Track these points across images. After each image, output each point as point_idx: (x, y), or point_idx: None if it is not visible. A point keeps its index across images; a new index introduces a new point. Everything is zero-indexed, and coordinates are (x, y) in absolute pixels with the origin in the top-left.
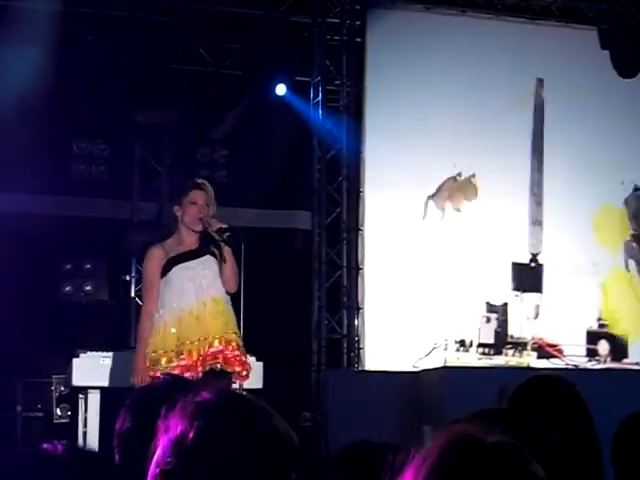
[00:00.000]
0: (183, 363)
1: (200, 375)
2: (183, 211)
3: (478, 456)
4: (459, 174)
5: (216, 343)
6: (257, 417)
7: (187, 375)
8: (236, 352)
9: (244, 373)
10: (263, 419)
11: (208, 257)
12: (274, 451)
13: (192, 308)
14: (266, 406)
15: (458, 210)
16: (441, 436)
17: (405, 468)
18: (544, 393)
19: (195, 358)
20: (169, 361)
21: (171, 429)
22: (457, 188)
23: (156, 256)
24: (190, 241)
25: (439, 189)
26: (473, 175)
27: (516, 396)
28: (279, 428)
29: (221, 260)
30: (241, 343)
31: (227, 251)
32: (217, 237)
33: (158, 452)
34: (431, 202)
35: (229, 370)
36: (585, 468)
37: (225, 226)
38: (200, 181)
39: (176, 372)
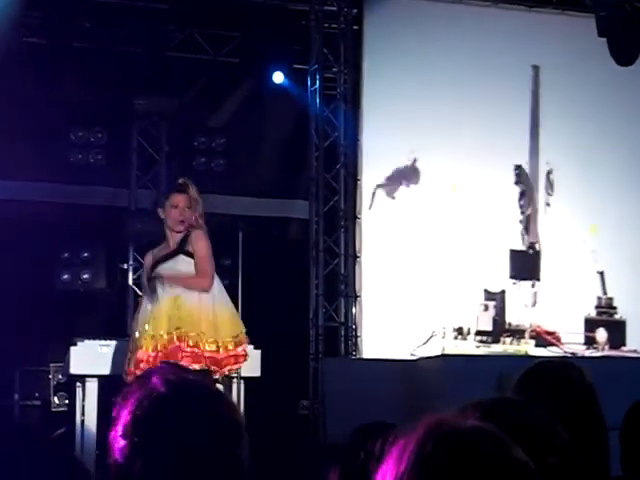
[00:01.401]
0: (138, 355)
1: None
2: (166, 214)
3: (458, 442)
4: (456, 160)
5: (169, 340)
6: (198, 401)
7: (142, 365)
8: (189, 349)
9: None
10: (204, 403)
11: (181, 256)
12: (214, 435)
13: (153, 306)
14: (214, 389)
15: (455, 196)
16: (419, 426)
17: (386, 456)
18: (552, 379)
19: (152, 352)
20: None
21: (119, 419)
22: (454, 174)
23: (146, 263)
24: (173, 242)
25: (436, 176)
26: (469, 162)
27: (523, 382)
28: (221, 411)
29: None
30: (196, 339)
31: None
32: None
33: (110, 441)
34: (428, 189)
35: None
36: (591, 455)
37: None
38: (182, 181)
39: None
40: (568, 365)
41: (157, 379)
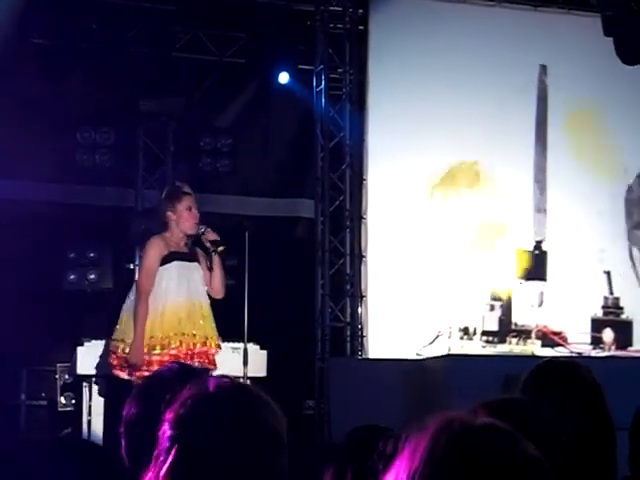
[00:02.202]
0: (173, 352)
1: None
2: (178, 216)
3: (470, 439)
4: (462, 161)
5: (202, 343)
6: (247, 409)
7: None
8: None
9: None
10: (253, 411)
11: (198, 264)
12: (259, 442)
13: (185, 304)
14: (262, 397)
15: (461, 197)
16: (431, 424)
17: (396, 456)
18: (559, 378)
19: (185, 351)
20: (162, 348)
21: (168, 417)
22: (460, 175)
23: (158, 244)
24: (182, 244)
25: (442, 176)
26: (476, 162)
27: (530, 381)
28: (268, 420)
29: (210, 268)
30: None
31: (216, 262)
32: (211, 248)
33: (160, 440)
34: (434, 189)
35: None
36: (599, 455)
37: (219, 239)
38: (187, 187)
39: (165, 359)
40: (575, 364)
41: (209, 380)
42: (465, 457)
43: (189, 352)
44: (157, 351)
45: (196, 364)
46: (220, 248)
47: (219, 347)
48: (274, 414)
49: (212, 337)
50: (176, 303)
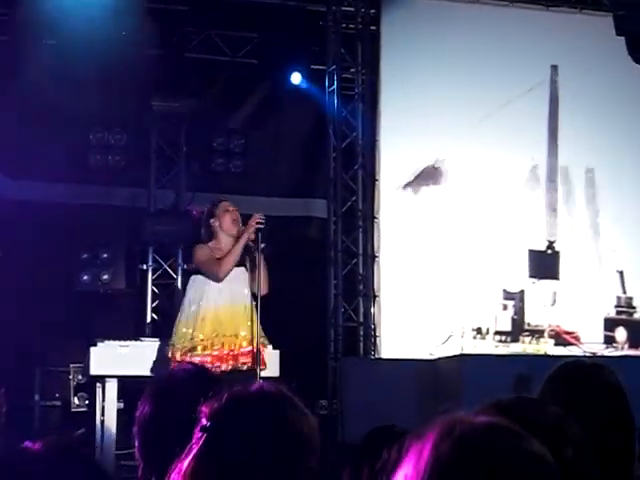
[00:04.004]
0: (215, 354)
1: (229, 368)
2: (220, 220)
3: (473, 440)
4: (475, 161)
5: (245, 344)
6: (280, 411)
7: (218, 365)
8: (263, 354)
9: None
10: (284, 413)
11: (242, 268)
12: (288, 446)
13: (228, 306)
14: (296, 402)
15: (474, 196)
16: (434, 427)
17: (402, 461)
18: (582, 380)
19: (227, 351)
20: (204, 349)
21: (204, 410)
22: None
23: (203, 247)
24: (227, 248)
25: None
26: (488, 162)
27: (553, 382)
28: (298, 423)
29: (254, 267)
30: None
31: (260, 259)
32: (253, 246)
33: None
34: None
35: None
36: (618, 457)
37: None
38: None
39: (208, 360)
40: (599, 366)
41: (254, 383)
42: (471, 460)
43: (231, 353)
44: (198, 352)
45: (240, 365)
46: (262, 245)
47: (264, 346)
48: (306, 419)
49: (257, 337)
50: (218, 306)
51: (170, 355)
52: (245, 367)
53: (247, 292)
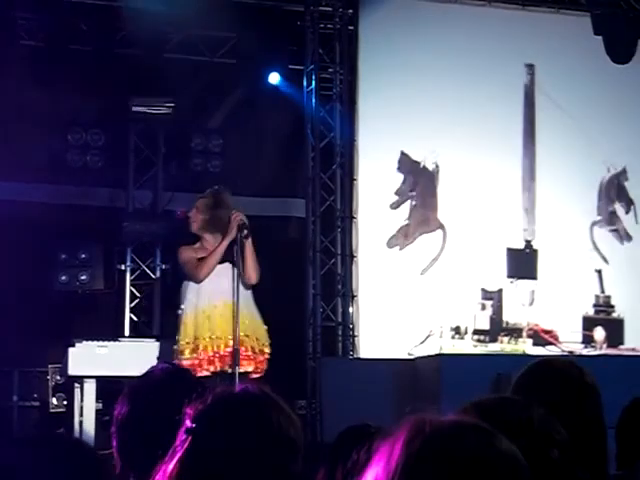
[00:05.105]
0: (202, 357)
1: (216, 370)
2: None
3: (441, 440)
4: (452, 160)
5: (230, 344)
6: (263, 413)
7: (205, 367)
8: (248, 353)
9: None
10: (268, 415)
11: (227, 264)
12: (273, 449)
13: (205, 308)
14: (280, 404)
15: (450, 196)
16: (402, 427)
17: (371, 461)
18: (553, 378)
19: (211, 354)
20: (191, 352)
21: (189, 412)
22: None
23: (188, 248)
24: (212, 247)
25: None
26: (465, 161)
27: (523, 381)
28: (283, 426)
29: (239, 257)
30: (255, 345)
31: (246, 247)
32: (239, 234)
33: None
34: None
35: (242, 371)
36: (591, 455)
37: (245, 222)
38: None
39: (195, 363)
40: (570, 364)
41: (238, 384)
42: (441, 460)
43: (216, 355)
44: (186, 355)
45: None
46: (245, 232)
47: (263, 353)
48: (291, 421)
49: (253, 334)
50: (194, 310)
51: (174, 356)
52: (242, 369)
53: (231, 289)
